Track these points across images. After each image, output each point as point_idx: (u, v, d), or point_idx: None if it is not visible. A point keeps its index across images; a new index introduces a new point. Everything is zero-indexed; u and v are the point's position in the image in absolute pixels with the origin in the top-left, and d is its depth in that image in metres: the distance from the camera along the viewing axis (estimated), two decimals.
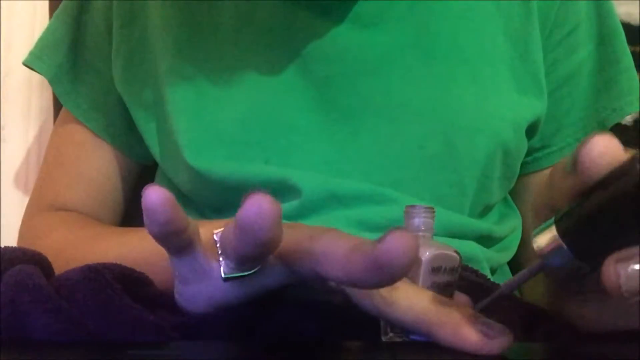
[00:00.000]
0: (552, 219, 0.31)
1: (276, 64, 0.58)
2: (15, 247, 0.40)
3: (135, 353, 0.31)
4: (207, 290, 0.35)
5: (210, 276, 0.35)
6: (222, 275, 0.34)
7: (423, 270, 0.36)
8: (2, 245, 0.40)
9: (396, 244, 0.28)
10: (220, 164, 0.57)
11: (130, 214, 0.71)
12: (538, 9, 0.61)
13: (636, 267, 0.28)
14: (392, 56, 0.58)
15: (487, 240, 0.59)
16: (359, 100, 0.57)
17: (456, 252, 0.38)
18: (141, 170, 0.70)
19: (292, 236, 0.33)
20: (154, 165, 0.67)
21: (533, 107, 0.61)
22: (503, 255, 0.62)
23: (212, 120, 0.57)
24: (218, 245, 0.34)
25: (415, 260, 0.35)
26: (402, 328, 0.35)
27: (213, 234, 0.35)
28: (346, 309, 0.37)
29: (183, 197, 0.62)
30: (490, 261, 0.59)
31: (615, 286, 0.29)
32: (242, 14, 0.59)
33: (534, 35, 0.61)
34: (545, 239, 0.31)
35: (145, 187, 0.31)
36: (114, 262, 0.40)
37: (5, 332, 0.34)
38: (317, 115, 0.57)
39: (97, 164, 0.66)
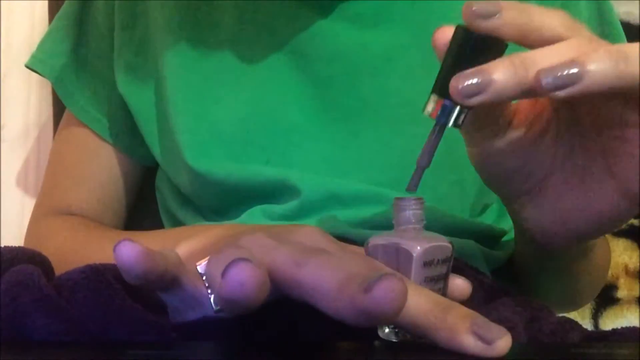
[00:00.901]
0: (431, 90, 0.36)
1: (276, 63, 0.58)
2: (15, 247, 0.40)
3: (135, 353, 0.31)
4: (200, 315, 0.35)
5: (201, 304, 0.34)
6: (214, 307, 0.33)
7: (415, 266, 0.36)
8: (2, 245, 0.40)
9: (385, 294, 0.27)
10: (220, 165, 0.57)
11: (133, 216, 0.71)
12: None
13: None
14: (393, 56, 0.58)
15: (486, 238, 0.59)
16: (359, 100, 0.57)
17: (448, 241, 0.38)
18: (145, 172, 0.70)
19: (279, 260, 0.32)
20: (157, 167, 0.67)
21: None
22: (502, 253, 0.62)
23: (212, 121, 0.58)
24: (204, 278, 0.34)
25: (407, 255, 0.35)
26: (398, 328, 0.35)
27: (196, 266, 0.34)
28: None
29: (183, 198, 0.62)
30: (490, 259, 0.59)
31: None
32: (242, 13, 0.59)
33: None
34: (430, 105, 0.36)
35: (116, 243, 0.31)
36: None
37: (6, 332, 0.34)
38: (318, 115, 0.57)
39: (100, 166, 0.67)
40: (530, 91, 0.33)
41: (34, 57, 0.68)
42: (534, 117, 0.39)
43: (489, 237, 0.60)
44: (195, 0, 0.61)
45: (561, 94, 0.31)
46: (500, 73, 0.32)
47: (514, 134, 0.39)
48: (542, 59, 0.33)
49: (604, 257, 0.64)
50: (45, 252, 0.42)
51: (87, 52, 0.66)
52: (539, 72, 0.32)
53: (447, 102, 0.35)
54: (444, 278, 0.37)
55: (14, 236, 0.76)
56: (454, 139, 0.57)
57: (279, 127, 0.57)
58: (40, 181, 0.74)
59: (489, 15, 0.34)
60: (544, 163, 0.39)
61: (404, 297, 0.27)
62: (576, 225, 0.40)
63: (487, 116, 0.39)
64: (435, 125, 0.36)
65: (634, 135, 0.35)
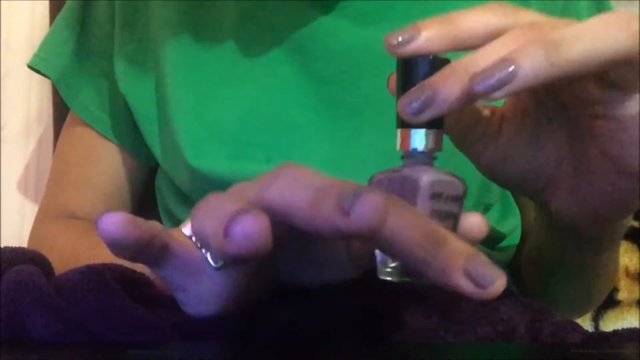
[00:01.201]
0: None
1: (278, 61, 0.58)
2: (15, 247, 0.40)
3: (135, 353, 0.31)
4: (206, 288, 0.34)
5: (200, 271, 0.33)
6: (214, 265, 0.32)
7: (421, 195, 0.33)
8: (2, 245, 0.40)
9: (364, 216, 0.26)
10: (221, 164, 0.57)
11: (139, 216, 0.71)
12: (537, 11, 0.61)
13: None
14: None
15: (488, 239, 0.59)
16: (360, 98, 0.57)
17: (460, 179, 0.35)
18: (149, 172, 0.70)
19: (264, 191, 0.30)
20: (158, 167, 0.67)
21: None
22: (503, 255, 0.62)
23: (213, 120, 0.58)
24: (194, 240, 0.33)
25: (413, 185, 0.33)
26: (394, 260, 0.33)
27: (181, 229, 0.34)
28: (346, 309, 0.36)
29: (183, 197, 0.62)
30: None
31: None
32: (244, 12, 0.60)
33: None
34: (398, 140, 0.35)
35: (98, 217, 0.30)
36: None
37: (5, 332, 0.34)
38: (319, 114, 0.57)
39: (105, 167, 0.66)
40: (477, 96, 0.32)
41: (36, 56, 0.68)
42: (521, 116, 0.39)
43: (490, 239, 0.60)
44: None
45: (497, 94, 0.31)
46: (442, 84, 0.32)
47: (507, 138, 0.39)
48: (483, 60, 0.32)
49: (615, 262, 0.64)
50: (47, 257, 0.42)
51: (90, 51, 0.66)
52: (471, 79, 0.31)
53: (410, 130, 0.34)
54: (454, 217, 0.35)
55: (14, 236, 0.76)
56: None
57: (280, 126, 0.57)
58: (41, 181, 0.74)
59: (408, 41, 0.34)
60: (548, 157, 0.39)
61: (384, 214, 0.27)
62: (600, 209, 0.39)
63: (472, 131, 0.39)
64: (409, 157, 0.35)
65: (611, 110, 0.35)
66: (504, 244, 0.63)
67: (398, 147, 0.35)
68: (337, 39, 0.58)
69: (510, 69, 0.31)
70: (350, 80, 0.57)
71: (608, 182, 0.37)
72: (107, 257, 0.54)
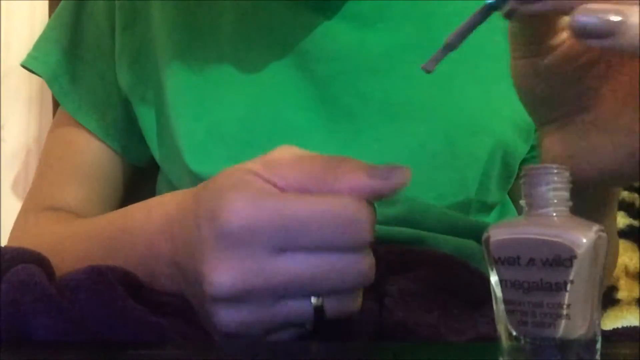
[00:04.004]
0: None
1: (276, 63, 0.58)
2: (16, 247, 0.40)
3: (135, 353, 0.32)
4: None
5: None
6: None
7: (577, 268, 0.27)
8: (3, 245, 0.40)
9: None
10: (221, 166, 0.56)
11: None
12: None
13: None
14: (392, 55, 0.58)
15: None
16: (359, 98, 0.57)
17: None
18: (135, 172, 0.69)
19: None
20: (151, 169, 0.67)
21: None
22: None
23: (213, 122, 0.57)
24: None
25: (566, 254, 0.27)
26: None
27: None
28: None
29: None
30: None
31: None
32: (242, 13, 0.60)
33: None
34: None
35: None
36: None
37: (7, 331, 0.34)
38: (318, 115, 0.57)
39: (90, 164, 0.65)
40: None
41: (29, 55, 0.67)
42: (578, 52, 0.38)
43: None
44: (196, 0, 0.61)
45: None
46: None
47: (554, 60, 0.39)
48: None
49: (614, 255, 0.64)
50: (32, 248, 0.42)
51: (85, 50, 0.66)
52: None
53: None
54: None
55: None
56: (455, 138, 0.57)
57: (279, 127, 0.57)
58: None
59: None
60: (572, 98, 0.39)
61: None
62: (587, 168, 0.38)
63: (537, 32, 0.39)
64: (483, 6, 0.35)
65: None
66: None
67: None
68: (335, 41, 0.58)
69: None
70: (348, 81, 0.57)
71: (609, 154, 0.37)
72: (76, 252, 0.52)
